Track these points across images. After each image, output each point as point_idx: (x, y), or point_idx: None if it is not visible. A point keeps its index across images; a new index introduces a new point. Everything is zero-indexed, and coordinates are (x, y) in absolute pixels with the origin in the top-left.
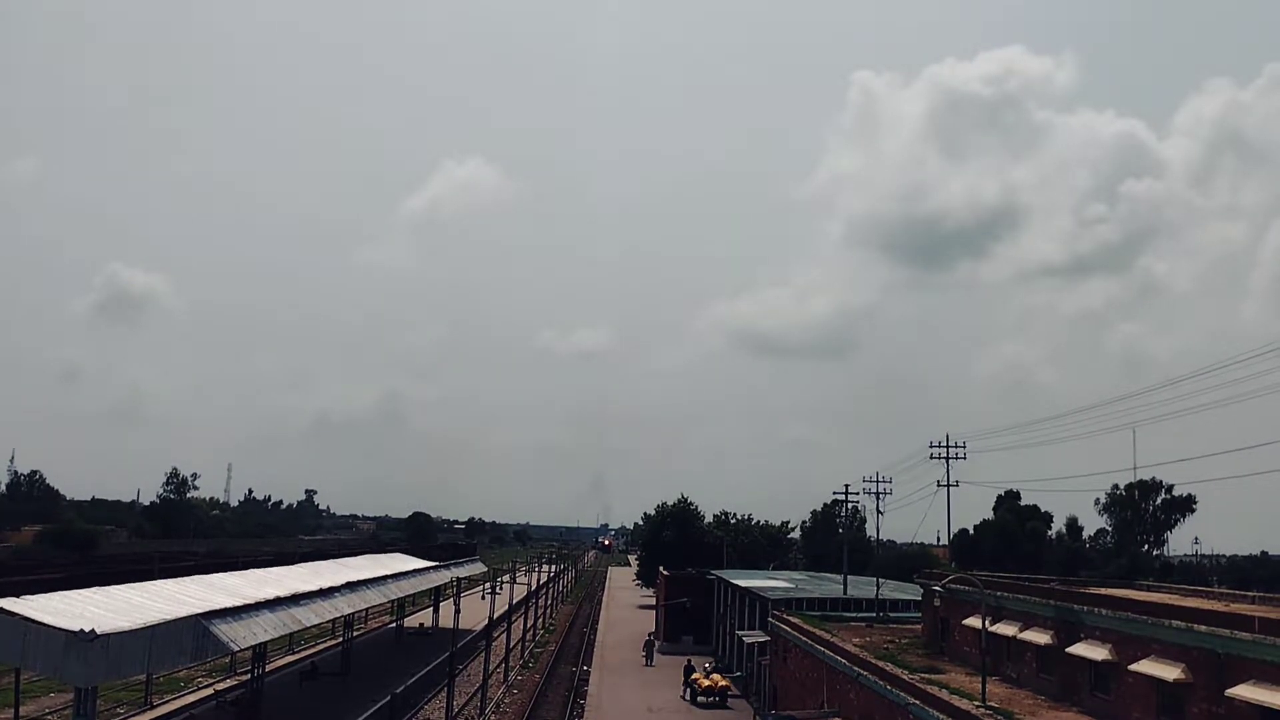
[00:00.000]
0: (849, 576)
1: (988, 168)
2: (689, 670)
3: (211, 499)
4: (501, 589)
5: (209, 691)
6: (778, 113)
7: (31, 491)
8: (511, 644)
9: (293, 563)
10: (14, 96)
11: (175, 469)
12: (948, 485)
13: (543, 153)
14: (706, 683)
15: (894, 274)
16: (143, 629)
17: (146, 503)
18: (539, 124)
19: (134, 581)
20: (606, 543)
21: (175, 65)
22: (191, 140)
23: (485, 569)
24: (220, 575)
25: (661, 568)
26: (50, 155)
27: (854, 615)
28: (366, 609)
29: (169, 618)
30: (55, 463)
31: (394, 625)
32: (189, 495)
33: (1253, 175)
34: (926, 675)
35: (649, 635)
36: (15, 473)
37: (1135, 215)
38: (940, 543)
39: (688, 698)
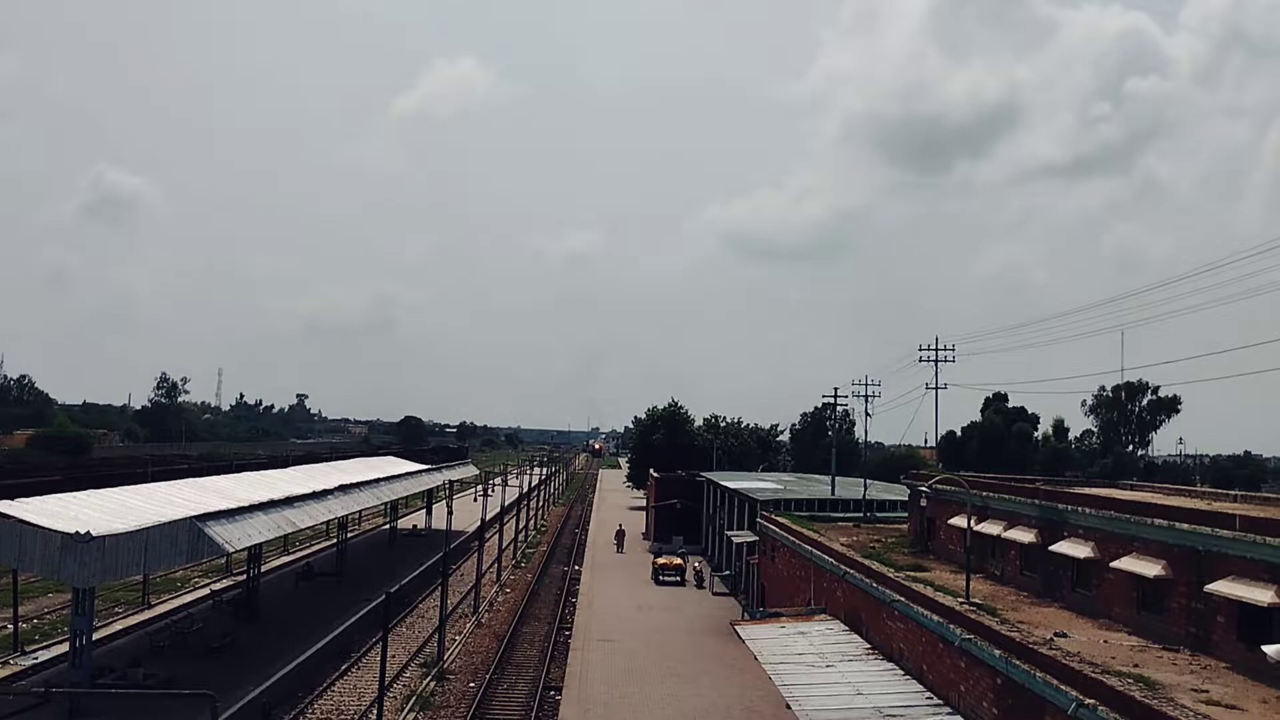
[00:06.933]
0: (837, 478)
1: (990, 65)
2: (656, 554)
3: (202, 403)
4: (493, 491)
5: (206, 591)
6: (772, 7)
7: (21, 395)
8: (504, 545)
9: (286, 466)
10: None
11: (165, 374)
12: (936, 388)
13: (534, 52)
14: (662, 561)
15: (889, 176)
16: (138, 531)
17: (138, 407)
18: (530, 20)
19: (128, 484)
20: (597, 446)
21: None
22: (177, 39)
23: (477, 472)
24: (214, 478)
25: (652, 470)
26: (30, 54)
27: (841, 515)
28: (360, 511)
29: (164, 520)
30: (45, 367)
31: (387, 527)
32: (180, 400)
33: (1258, 72)
34: (912, 573)
35: (619, 526)
36: (5, 376)
37: (1138, 114)
38: (928, 444)
39: (652, 578)
